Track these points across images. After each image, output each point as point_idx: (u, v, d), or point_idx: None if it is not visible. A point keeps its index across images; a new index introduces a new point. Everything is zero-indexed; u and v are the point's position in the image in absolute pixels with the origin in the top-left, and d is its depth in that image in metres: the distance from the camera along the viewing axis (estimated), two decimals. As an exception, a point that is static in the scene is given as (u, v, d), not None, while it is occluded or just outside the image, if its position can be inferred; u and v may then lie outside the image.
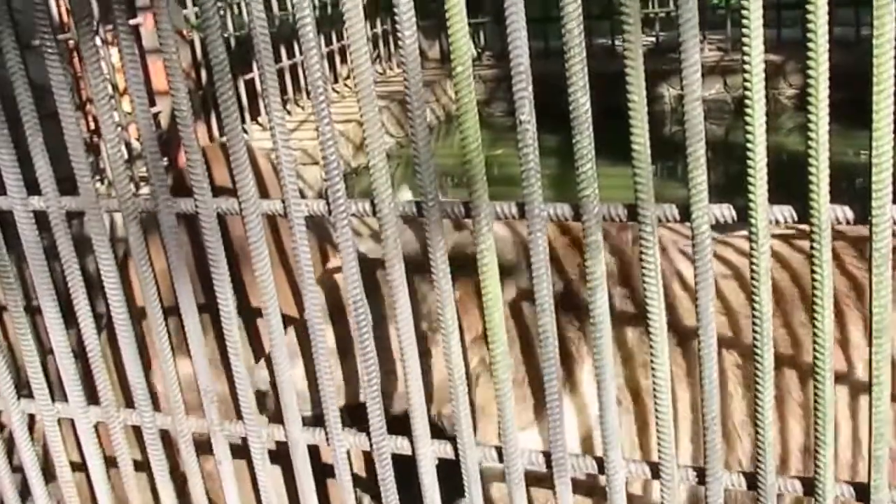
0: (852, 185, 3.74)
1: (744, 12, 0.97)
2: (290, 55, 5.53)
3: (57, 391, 1.67)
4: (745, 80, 0.99)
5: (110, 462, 1.67)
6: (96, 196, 1.45)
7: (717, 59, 6.21)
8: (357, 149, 5.18)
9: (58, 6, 3.97)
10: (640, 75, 1.03)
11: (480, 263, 1.17)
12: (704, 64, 5.80)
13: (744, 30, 0.98)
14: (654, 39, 6.49)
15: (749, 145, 1.00)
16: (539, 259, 1.13)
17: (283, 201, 1.31)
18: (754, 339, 1.10)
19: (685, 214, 1.06)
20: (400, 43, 1.14)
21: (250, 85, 5.06)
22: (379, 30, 6.64)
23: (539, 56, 5.40)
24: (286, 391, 1.43)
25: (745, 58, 0.98)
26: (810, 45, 0.95)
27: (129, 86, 1.36)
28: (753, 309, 1.09)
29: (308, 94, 4.31)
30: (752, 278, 1.07)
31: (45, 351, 1.71)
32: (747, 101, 1.00)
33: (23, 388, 1.72)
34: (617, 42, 6.11)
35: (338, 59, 6.19)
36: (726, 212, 1.06)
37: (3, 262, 1.55)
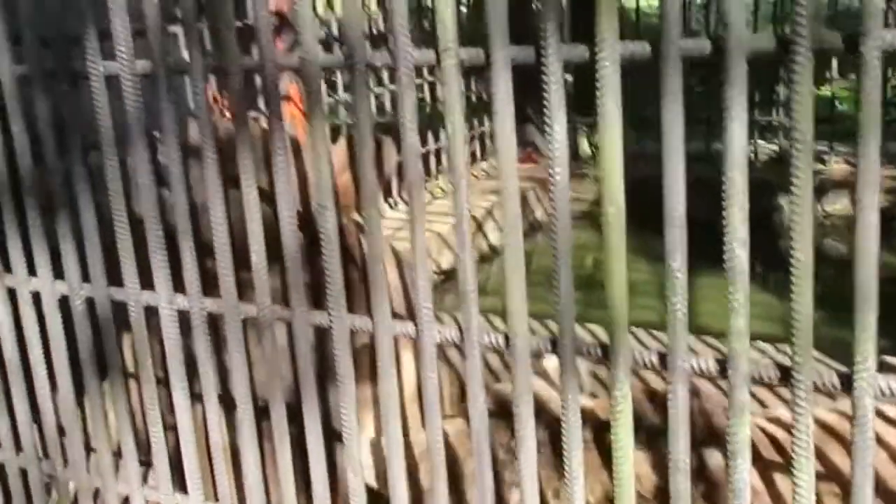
0: None
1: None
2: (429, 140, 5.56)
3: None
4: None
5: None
6: (237, 301, 1.41)
7: (846, 174, 5.72)
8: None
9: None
10: (807, 216, 0.94)
11: (614, 411, 1.07)
12: (831, 177, 5.58)
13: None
14: (776, 148, 6.24)
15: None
16: (677, 415, 1.03)
17: (416, 324, 1.24)
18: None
19: (846, 383, 0.94)
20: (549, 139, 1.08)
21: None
22: (487, 127, 6.58)
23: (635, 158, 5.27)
24: None
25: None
26: None
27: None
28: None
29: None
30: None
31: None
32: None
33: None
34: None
35: (445, 156, 6.17)
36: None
37: (145, 355, 1.52)
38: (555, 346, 1.12)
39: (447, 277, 4.88)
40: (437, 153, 5.75)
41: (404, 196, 5.50)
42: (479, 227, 5.19)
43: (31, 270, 1.65)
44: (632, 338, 1.09)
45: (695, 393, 1.03)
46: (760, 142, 6.26)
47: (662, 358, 1.04)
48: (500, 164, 1.12)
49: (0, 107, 1.58)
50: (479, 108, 6.14)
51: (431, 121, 5.63)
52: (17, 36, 1.52)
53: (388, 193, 5.17)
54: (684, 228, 1.00)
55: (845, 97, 7.02)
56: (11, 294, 1.70)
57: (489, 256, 5.14)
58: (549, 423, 1.37)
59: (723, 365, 1.00)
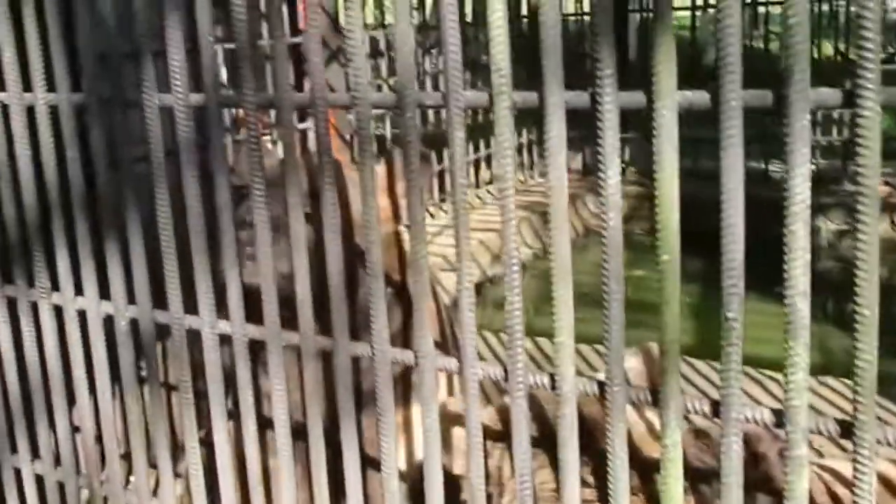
0: None
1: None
2: (440, 160, 5.54)
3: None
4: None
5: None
6: (279, 329, 1.40)
7: (885, 195, 5.62)
8: (494, 258, 5.10)
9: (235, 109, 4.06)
10: (874, 273, 0.91)
11: (663, 460, 1.05)
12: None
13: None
14: (813, 167, 6.10)
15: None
16: (730, 466, 1.00)
17: (459, 359, 1.23)
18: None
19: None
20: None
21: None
22: (525, 139, 6.59)
23: (688, 176, 5.20)
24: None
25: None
26: None
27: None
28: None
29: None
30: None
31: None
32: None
33: None
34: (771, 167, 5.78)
35: (483, 165, 6.16)
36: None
37: (185, 380, 1.51)
38: (602, 389, 1.10)
39: (477, 291, 4.87)
40: (477, 163, 5.73)
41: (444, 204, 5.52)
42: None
43: (79, 290, 1.65)
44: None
45: (745, 438, 1.01)
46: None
47: (715, 406, 1.02)
48: (553, 204, 1.10)
49: (56, 132, 1.59)
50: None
51: (472, 132, 5.61)
52: (74, 64, 1.53)
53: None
54: (742, 277, 0.98)
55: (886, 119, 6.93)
56: (58, 311, 1.71)
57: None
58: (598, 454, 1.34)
59: (779, 416, 0.98)
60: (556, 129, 1.08)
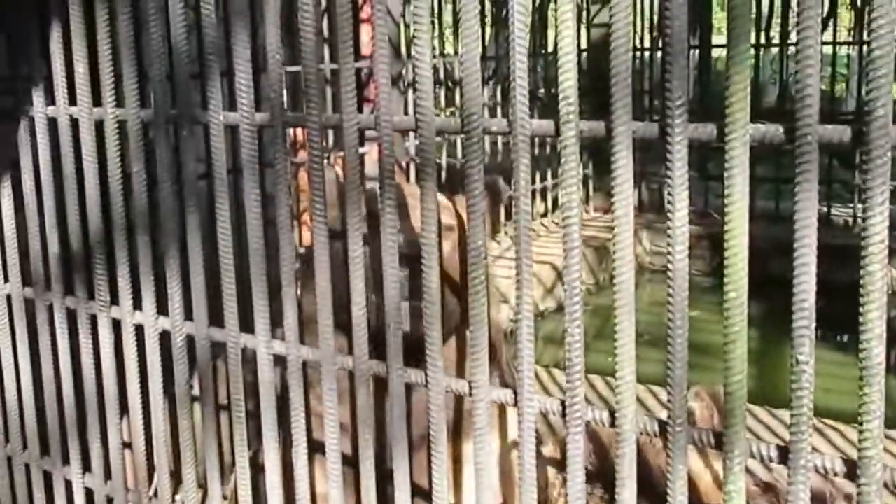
0: None
1: None
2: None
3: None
4: None
5: None
6: (334, 352, 1.38)
7: None
8: (547, 291, 5.05)
9: (294, 130, 4.10)
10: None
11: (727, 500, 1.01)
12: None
13: None
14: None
15: None
16: (797, 513, 0.95)
17: (516, 393, 1.20)
18: None
19: None
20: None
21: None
22: (580, 173, 6.55)
23: (769, 219, 5.12)
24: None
25: None
26: None
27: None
28: None
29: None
30: None
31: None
32: None
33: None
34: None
35: (538, 197, 6.13)
36: None
37: (238, 399, 1.50)
38: (664, 430, 1.06)
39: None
40: (531, 194, 5.70)
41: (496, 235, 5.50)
42: (560, 275, 5.12)
43: (137, 304, 1.66)
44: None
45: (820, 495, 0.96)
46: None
47: (783, 452, 0.97)
48: (618, 234, 1.07)
49: (120, 148, 1.60)
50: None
51: (537, 162, 5.60)
52: (143, 81, 1.55)
53: (495, 230, 5.14)
54: (813, 319, 0.93)
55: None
56: (116, 325, 1.71)
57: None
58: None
59: (852, 467, 0.93)
60: (624, 158, 1.05)
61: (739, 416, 0.99)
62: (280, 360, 1.47)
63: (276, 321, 1.46)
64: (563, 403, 1.14)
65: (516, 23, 1.09)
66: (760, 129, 0.97)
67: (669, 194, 1.01)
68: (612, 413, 1.10)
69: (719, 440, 1.01)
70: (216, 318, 1.53)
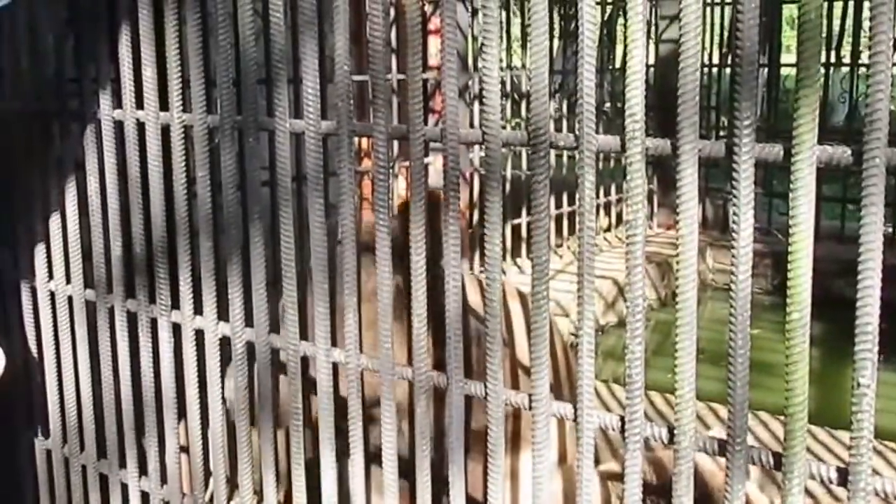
0: None
1: None
2: (559, 204, 5.57)
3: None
4: None
5: None
6: (392, 363, 1.44)
7: None
8: (608, 306, 5.09)
9: (360, 139, 4.20)
10: None
11: (785, 523, 1.05)
12: None
13: None
14: None
15: None
16: (856, 536, 1.00)
17: (575, 407, 1.25)
18: None
19: None
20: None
21: (517, 228, 5.12)
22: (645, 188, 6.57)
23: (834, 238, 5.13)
24: None
25: None
26: None
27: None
28: None
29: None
30: None
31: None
32: None
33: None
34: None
35: (601, 212, 6.16)
36: None
37: (297, 407, 1.57)
38: (723, 449, 1.10)
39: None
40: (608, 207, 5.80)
41: (559, 249, 5.54)
42: (621, 290, 5.14)
43: (198, 309, 1.74)
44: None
45: None
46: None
47: (843, 474, 1.01)
48: (682, 252, 1.12)
49: (185, 153, 1.68)
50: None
51: (601, 176, 5.67)
52: (210, 86, 1.62)
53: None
54: (876, 343, 0.97)
55: None
56: (176, 329, 1.80)
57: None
58: None
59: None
60: (690, 177, 1.10)
61: (800, 438, 1.03)
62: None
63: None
64: (622, 419, 1.19)
65: (585, 39, 1.14)
66: (828, 150, 1.01)
67: (735, 214, 1.06)
68: (670, 430, 1.15)
69: (779, 461, 1.06)
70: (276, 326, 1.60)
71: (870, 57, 0.96)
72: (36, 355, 2.12)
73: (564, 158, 5.64)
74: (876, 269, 0.96)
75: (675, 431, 1.13)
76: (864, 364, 0.97)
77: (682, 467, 1.12)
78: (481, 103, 1.23)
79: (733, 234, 1.05)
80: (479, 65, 1.21)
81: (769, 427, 2.96)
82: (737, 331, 1.06)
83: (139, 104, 1.76)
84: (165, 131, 1.72)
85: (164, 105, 1.71)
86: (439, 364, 1.41)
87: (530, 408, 1.30)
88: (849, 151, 1.00)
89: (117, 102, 1.81)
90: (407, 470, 1.50)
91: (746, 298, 1.06)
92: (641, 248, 1.13)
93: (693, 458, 1.13)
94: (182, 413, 1.84)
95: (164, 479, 1.92)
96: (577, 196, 1.17)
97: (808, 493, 1.28)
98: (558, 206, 5.56)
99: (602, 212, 6.18)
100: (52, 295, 2.05)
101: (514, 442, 1.81)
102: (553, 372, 1.95)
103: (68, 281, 2.00)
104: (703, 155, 1.10)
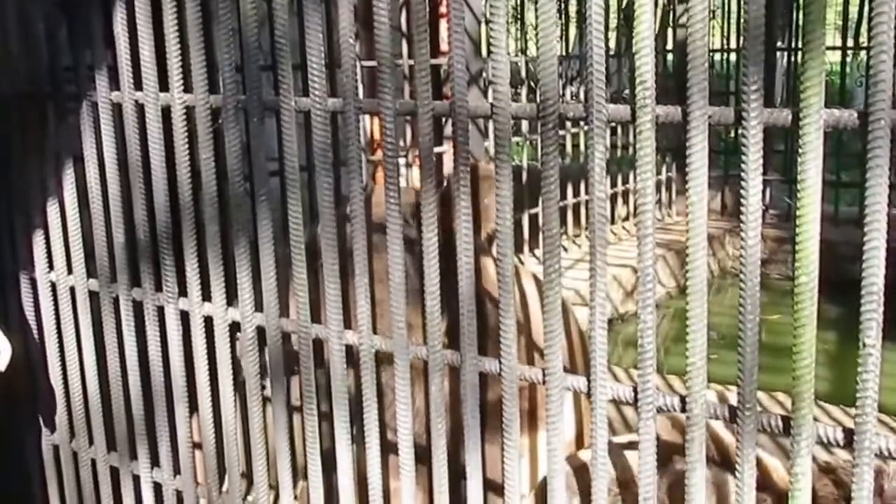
0: None
1: None
2: (577, 193, 5.64)
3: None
4: None
5: None
6: (407, 343, 1.51)
7: None
8: (627, 295, 5.16)
9: (372, 128, 4.26)
10: None
11: (792, 489, 1.12)
12: None
13: None
14: None
15: None
16: (862, 495, 1.06)
17: (589, 379, 1.32)
18: None
19: None
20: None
21: (534, 218, 5.20)
22: (663, 176, 6.62)
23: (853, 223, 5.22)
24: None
25: None
26: None
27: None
28: None
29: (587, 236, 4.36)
30: None
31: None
32: None
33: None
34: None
35: (619, 201, 6.22)
36: None
37: (309, 384, 1.64)
38: (734, 416, 1.17)
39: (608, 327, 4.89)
40: (613, 198, 5.84)
41: (577, 238, 5.60)
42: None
43: (206, 295, 1.80)
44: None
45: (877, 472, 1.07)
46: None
47: (849, 435, 1.08)
48: (692, 219, 1.18)
49: (188, 135, 1.72)
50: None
51: (619, 165, 5.75)
52: (211, 66, 1.68)
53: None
54: (881, 302, 1.04)
55: None
56: (184, 317, 1.85)
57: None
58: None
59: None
60: (700, 142, 1.16)
61: (807, 400, 1.10)
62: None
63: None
64: (634, 390, 1.26)
65: (593, 5, 1.21)
66: (835, 113, 1.08)
67: (743, 180, 1.12)
68: (682, 398, 1.22)
69: (787, 424, 1.12)
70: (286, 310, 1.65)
71: (870, 19, 1.02)
72: (38, 349, 2.17)
73: (582, 146, 5.72)
74: (881, 226, 1.03)
75: (687, 399, 1.20)
76: (870, 325, 1.04)
77: (695, 434, 1.19)
78: (491, 74, 1.29)
79: (742, 197, 1.12)
80: (489, 37, 1.27)
81: (786, 406, 3.08)
82: (746, 287, 1.12)
83: (137, 85, 1.76)
84: (166, 113, 1.73)
85: (163, 86, 1.71)
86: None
87: (544, 382, 1.37)
88: (855, 114, 1.06)
89: (115, 85, 1.81)
90: (422, 452, 1.58)
91: (755, 257, 1.12)
92: (651, 216, 1.20)
93: (705, 426, 1.20)
94: (193, 401, 1.89)
95: (176, 470, 1.98)
96: (587, 167, 1.24)
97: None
98: (576, 195, 5.64)
99: (620, 200, 6.24)
100: (54, 286, 2.08)
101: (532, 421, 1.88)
102: (569, 358, 2.03)
103: (70, 271, 2.03)
104: (712, 121, 1.16)
